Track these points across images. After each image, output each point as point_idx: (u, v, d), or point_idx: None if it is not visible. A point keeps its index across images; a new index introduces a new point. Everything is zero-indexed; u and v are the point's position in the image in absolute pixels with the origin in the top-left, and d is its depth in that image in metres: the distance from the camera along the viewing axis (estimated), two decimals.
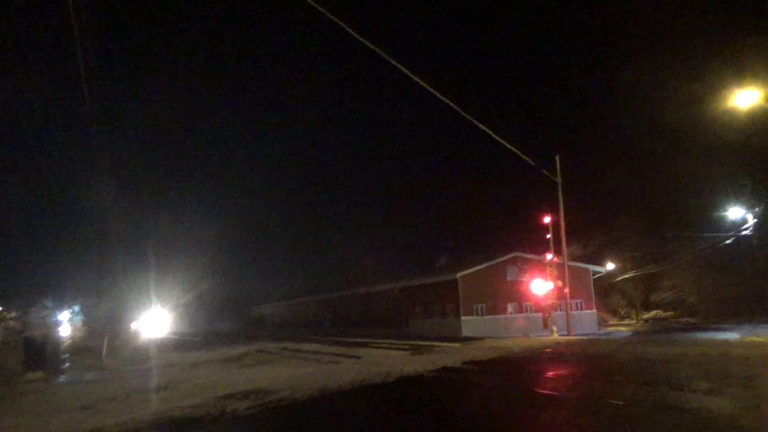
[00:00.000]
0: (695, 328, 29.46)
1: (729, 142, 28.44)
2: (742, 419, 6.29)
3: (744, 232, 29.41)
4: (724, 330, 25.31)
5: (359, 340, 28.07)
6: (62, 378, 16.86)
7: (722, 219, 32.14)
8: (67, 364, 18.45)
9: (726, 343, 16.14)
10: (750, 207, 28.75)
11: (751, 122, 21.94)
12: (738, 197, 29.77)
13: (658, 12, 43.16)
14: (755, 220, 28.32)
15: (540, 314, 29.00)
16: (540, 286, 24.86)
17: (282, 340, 32.66)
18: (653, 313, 41.10)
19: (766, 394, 7.37)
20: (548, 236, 24.73)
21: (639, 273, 40.25)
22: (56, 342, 18.50)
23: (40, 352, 17.38)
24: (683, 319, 37.73)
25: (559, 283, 24.43)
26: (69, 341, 21.17)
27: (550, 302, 24.95)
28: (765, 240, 29.07)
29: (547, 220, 24.64)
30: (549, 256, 24.60)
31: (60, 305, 22.81)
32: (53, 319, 21.54)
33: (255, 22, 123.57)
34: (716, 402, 7.12)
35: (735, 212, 30.20)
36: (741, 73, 18.15)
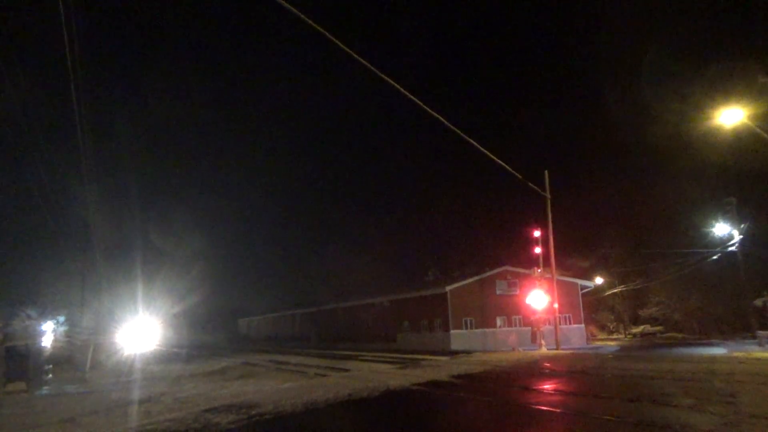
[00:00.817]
0: (682, 343, 29.61)
1: (715, 160, 28.88)
2: None
3: (730, 249, 29.66)
4: (711, 345, 25.47)
5: (346, 353, 27.92)
6: (44, 390, 16.60)
7: (708, 235, 32.43)
8: (49, 376, 18.16)
9: (712, 359, 16.21)
10: (736, 224, 29.01)
11: (736, 140, 22.30)
12: (724, 214, 30.05)
13: (647, 32, 43.97)
14: (741, 236, 28.58)
15: (529, 328, 29.02)
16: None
17: (268, 353, 32.43)
18: (641, 328, 41.30)
19: (748, 411, 7.39)
20: (536, 249, 24.83)
21: (626, 288, 40.50)
22: (39, 353, 18.20)
23: (22, 363, 17.08)
24: (671, 335, 37.93)
25: (548, 298, 24.49)
26: (52, 352, 20.85)
27: (538, 316, 24.97)
28: (750, 256, 29.32)
29: (536, 234, 24.77)
30: (538, 271, 24.65)
31: (43, 315, 22.51)
32: (36, 329, 21.21)
33: (246, 38, 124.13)
34: (699, 418, 7.13)
35: (721, 229, 30.46)
36: (726, 92, 18.50)
